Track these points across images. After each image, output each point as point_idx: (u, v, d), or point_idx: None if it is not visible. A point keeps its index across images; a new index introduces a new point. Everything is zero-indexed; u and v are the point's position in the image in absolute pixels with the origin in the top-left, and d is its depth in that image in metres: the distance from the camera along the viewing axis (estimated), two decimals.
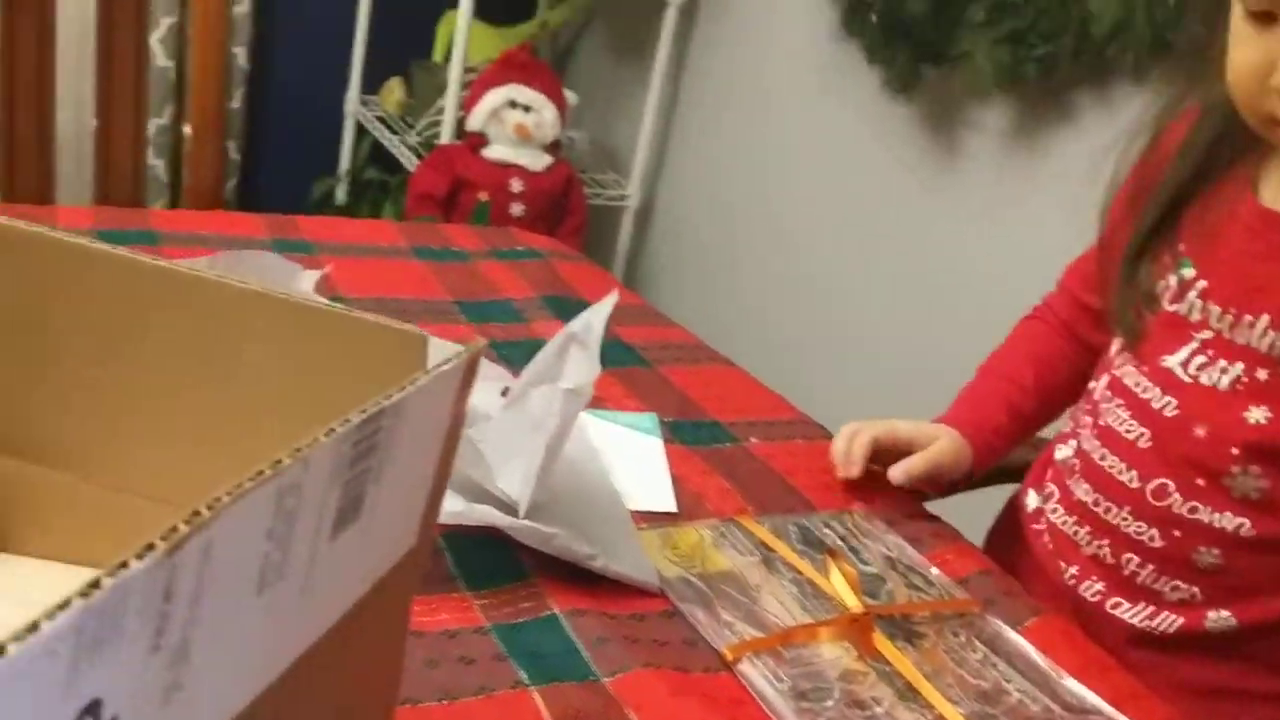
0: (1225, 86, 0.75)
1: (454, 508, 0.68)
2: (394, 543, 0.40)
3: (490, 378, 0.83)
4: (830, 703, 0.66)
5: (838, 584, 0.75)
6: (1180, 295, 0.82)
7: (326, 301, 0.45)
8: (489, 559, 0.72)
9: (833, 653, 0.70)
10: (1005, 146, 1.69)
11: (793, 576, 0.77)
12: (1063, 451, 0.91)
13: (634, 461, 0.87)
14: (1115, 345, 0.89)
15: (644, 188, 2.42)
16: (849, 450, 0.91)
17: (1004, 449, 0.96)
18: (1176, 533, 0.80)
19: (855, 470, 0.90)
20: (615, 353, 1.05)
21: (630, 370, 1.02)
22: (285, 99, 2.55)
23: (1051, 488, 0.91)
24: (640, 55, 2.42)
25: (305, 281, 0.89)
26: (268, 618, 0.31)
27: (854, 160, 1.94)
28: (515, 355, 0.99)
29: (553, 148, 2.18)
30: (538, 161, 2.15)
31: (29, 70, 1.48)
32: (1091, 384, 0.91)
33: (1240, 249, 0.79)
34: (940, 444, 0.92)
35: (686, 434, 0.93)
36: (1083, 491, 0.86)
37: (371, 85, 2.53)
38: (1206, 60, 0.77)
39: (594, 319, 0.72)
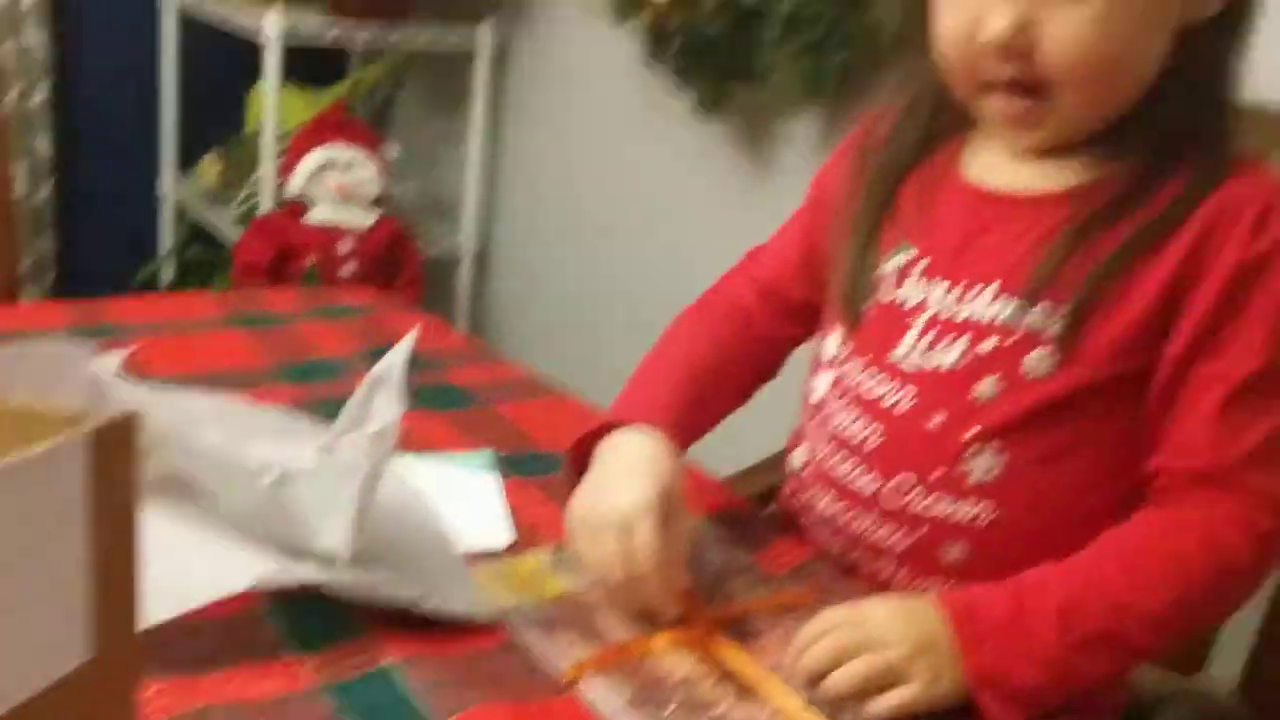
0: (935, 62, 0.78)
1: (268, 570, 0.66)
2: (33, 657, 0.34)
3: (307, 435, 0.82)
4: (671, 707, 0.66)
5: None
6: (901, 279, 0.81)
7: None
8: (319, 619, 0.70)
9: (674, 660, 0.70)
10: (815, 157, 1.74)
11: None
12: (793, 462, 0.88)
13: (468, 500, 0.86)
14: (834, 344, 0.86)
15: (478, 234, 2.41)
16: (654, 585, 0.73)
17: (695, 435, 0.85)
18: (921, 532, 0.78)
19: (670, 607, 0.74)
20: (448, 397, 1.04)
21: (463, 413, 1.01)
22: (98, 187, 2.48)
23: (798, 500, 0.87)
24: (457, 104, 2.42)
25: (102, 366, 0.86)
26: None
27: (675, 183, 1.98)
28: (335, 413, 0.97)
29: (378, 204, 2.16)
30: (363, 220, 2.13)
31: None
32: (812, 384, 0.88)
33: (956, 226, 0.80)
34: (686, 517, 0.77)
35: (522, 467, 0.93)
36: (826, 503, 0.83)
37: (189, 163, 2.47)
38: (918, 42, 0.79)
39: (394, 360, 0.71)
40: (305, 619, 0.70)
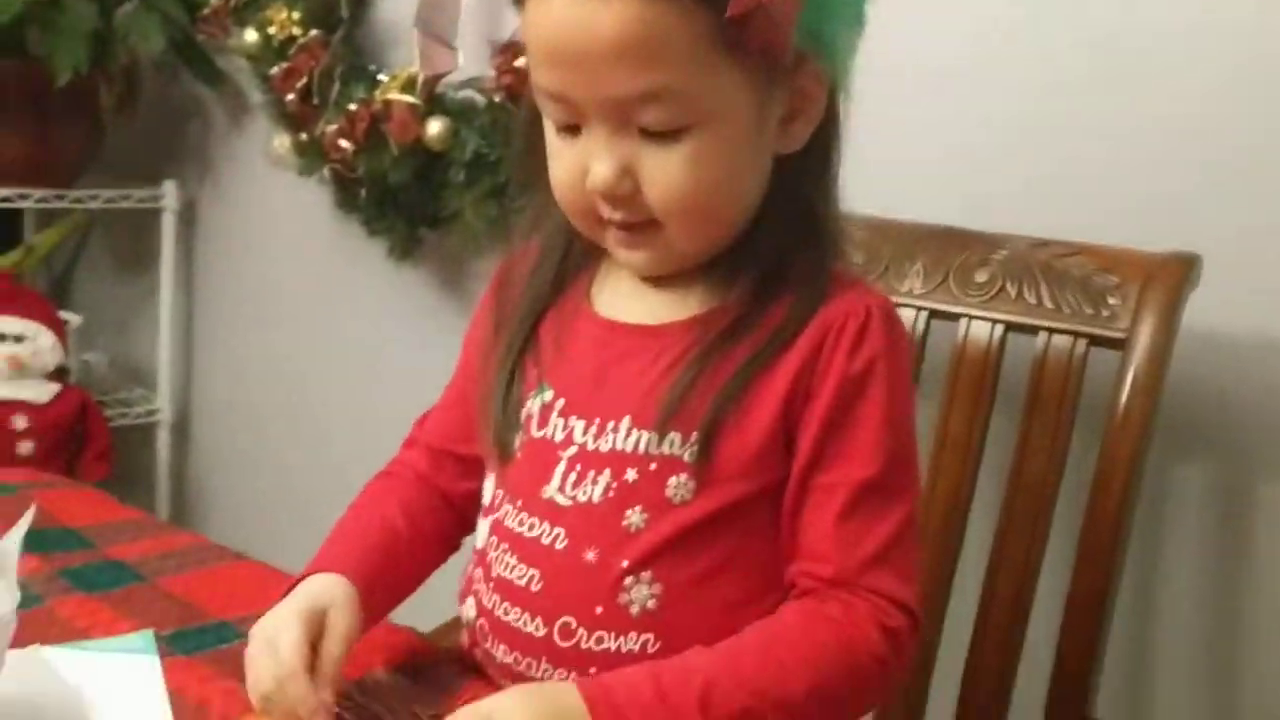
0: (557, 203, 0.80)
1: None
2: None
3: None
4: None
5: None
6: (544, 420, 0.82)
7: None
8: None
9: None
10: None
11: None
12: (466, 613, 0.86)
13: (122, 690, 0.79)
14: (489, 490, 0.86)
15: (174, 400, 2.29)
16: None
17: (385, 593, 0.83)
18: (592, 670, 0.76)
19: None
20: (105, 575, 0.96)
21: (124, 590, 0.93)
22: None
23: (477, 652, 0.85)
24: (145, 265, 2.32)
25: None
26: None
27: (375, 332, 1.95)
28: None
29: (57, 375, 2.02)
30: (41, 393, 1.99)
31: None
32: (476, 534, 0.87)
33: (589, 360, 0.82)
34: (338, 628, 0.76)
35: (189, 642, 0.86)
36: (501, 652, 0.82)
37: None
38: (543, 185, 0.81)
39: (9, 542, 0.65)
40: None
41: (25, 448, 1.95)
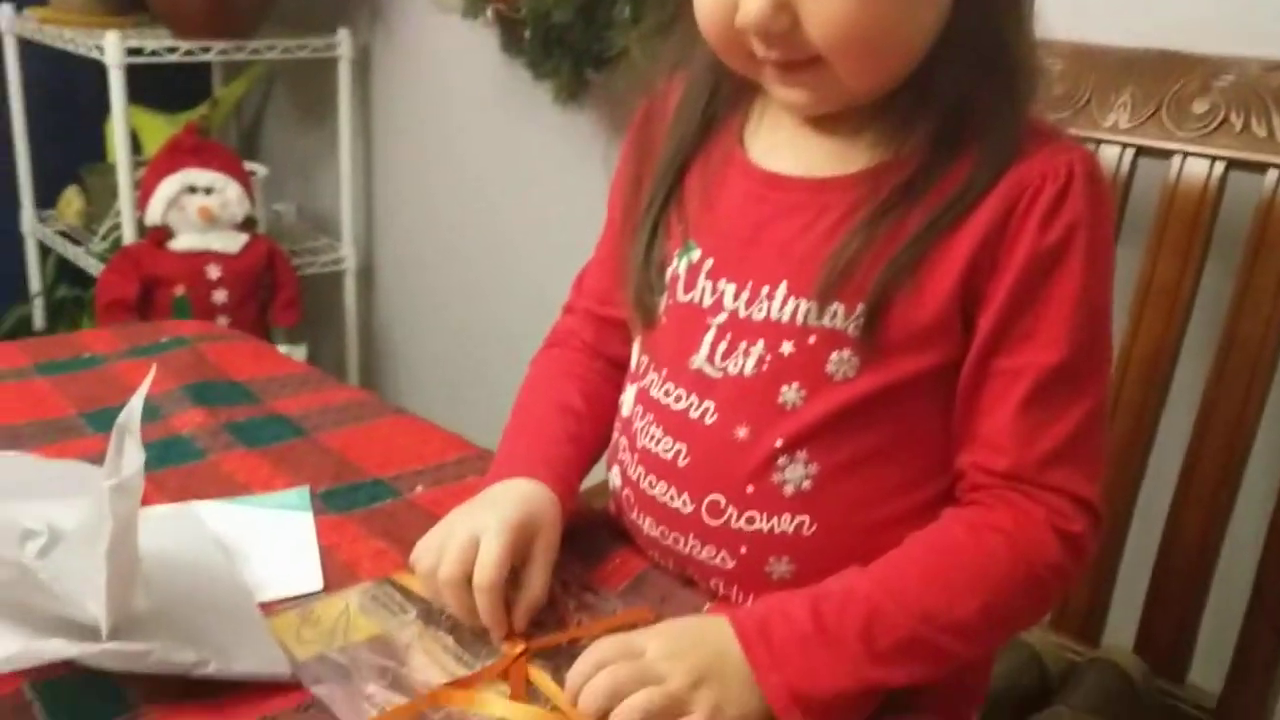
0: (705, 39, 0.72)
1: (10, 650, 0.59)
2: None
3: (73, 494, 0.74)
4: None
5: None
6: (691, 282, 0.75)
7: None
8: (87, 699, 0.63)
9: (489, 706, 0.64)
10: None
11: (451, 625, 0.71)
12: (612, 481, 0.82)
13: (276, 545, 0.79)
14: (635, 355, 0.81)
15: (358, 247, 2.33)
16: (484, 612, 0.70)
17: (576, 481, 0.82)
18: (743, 550, 0.73)
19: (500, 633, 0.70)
20: (269, 429, 0.97)
21: (283, 446, 0.94)
22: None
23: (624, 521, 0.82)
24: (325, 115, 2.34)
25: None
26: None
27: (550, 177, 1.91)
28: (153, 456, 0.90)
29: (246, 225, 2.07)
30: (232, 243, 2.04)
31: None
32: (622, 400, 0.82)
33: (740, 216, 0.74)
34: (544, 539, 0.73)
35: (340, 501, 0.86)
36: (648, 525, 0.78)
37: (48, 199, 2.36)
38: (688, 16, 0.73)
39: (135, 403, 0.64)
40: (71, 700, 0.63)
41: (219, 296, 2.03)
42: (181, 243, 2.01)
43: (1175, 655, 1.05)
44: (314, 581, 0.76)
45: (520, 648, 0.68)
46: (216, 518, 0.81)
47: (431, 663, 0.68)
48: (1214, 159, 1.01)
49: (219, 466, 0.90)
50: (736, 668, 0.63)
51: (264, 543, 0.79)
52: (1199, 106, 1.04)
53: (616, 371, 0.87)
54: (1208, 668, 1.05)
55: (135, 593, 0.64)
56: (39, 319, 2.37)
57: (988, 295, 0.68)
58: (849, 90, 0.69)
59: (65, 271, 2.37)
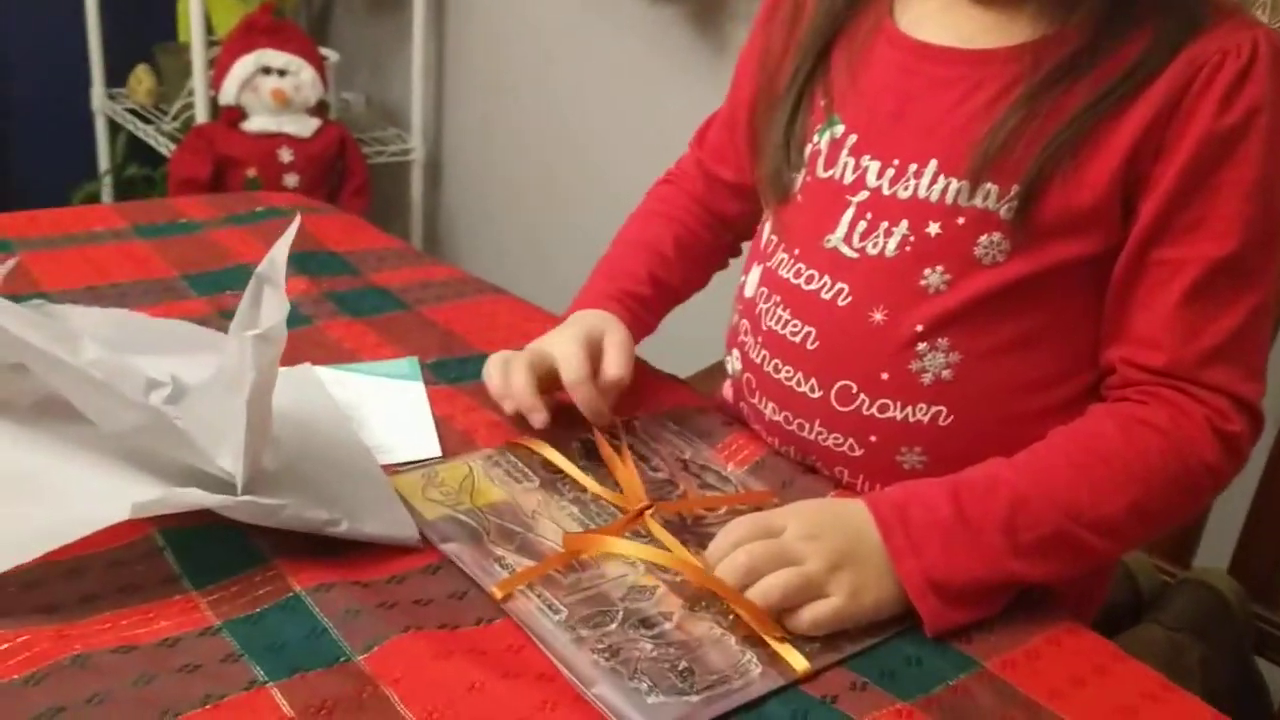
0: None
1: (148, 497, 0.58)
2: None
3: (209, 348, 0.73)
4: (613, 626, 0.59)
5: (623, 480, 0.70)
6: (833, 158, 0.72)
7: None
8: (218, 550, 0.63)
9: (617, 570, 0.63)
10: None
11: (574, 495, 0.70)
12: (732, 365, 0.80)
13: (391, 412, 0.78)
14: (764, 233, 0.78)
15: (427, 139, 2.30)
16: (513, 388, 0.75)
17: (652, 323, 0.85)
18: (873, 438, 0.71)
19: (538, 418, 0.74)
20: (370, 300, 0.96)
21: (387, 317, 0.93)
22: (26, 104, 2.35)
23: (743, 405, 0.80)
24: (398, 5, 2.29)
25: None
26: None
27: (631, 73, 1.87)
28: None
29: (318, 110, 2.05)
30: (304, 127, 2.02)
31: None
32: (742, 279, 0.80)
33: (887, 89, 0.70)
34: (613, 337, 0.77)
35: (451, 372, 0.85)
36: (770, 410, 0.75)
37: (118, 77, 2.34)
38: None
39: (277, 253, 0.63)
40: (201, 549, 0.63)
41: (290, 180, 2.01)
42: (254, 124, 1.99)
43: (1272, 579, 1.03)
44: (432, 447, 0.75)
45: (643, 504, 0.67)
46: (330, 382, 0.80)
47: (559, 529, 0.67)
48: None
49: (325, 333, 0.89)
50: (874, 552, 0.62)
51: (379, 409, 0.78)
52: None
53: (718, 224, 0.88)
54: None
55: (266, 449, 0.63)
56: (107, 197, 2.36)
57: (1154, 179, 0.65)
58: None
59: (135, 150, 2.35)
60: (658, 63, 1.80)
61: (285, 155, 2.00)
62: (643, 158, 1.88)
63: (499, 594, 0.60)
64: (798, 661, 0.58)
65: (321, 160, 2.04)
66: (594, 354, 0.75)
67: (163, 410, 0.61)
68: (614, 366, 0.75)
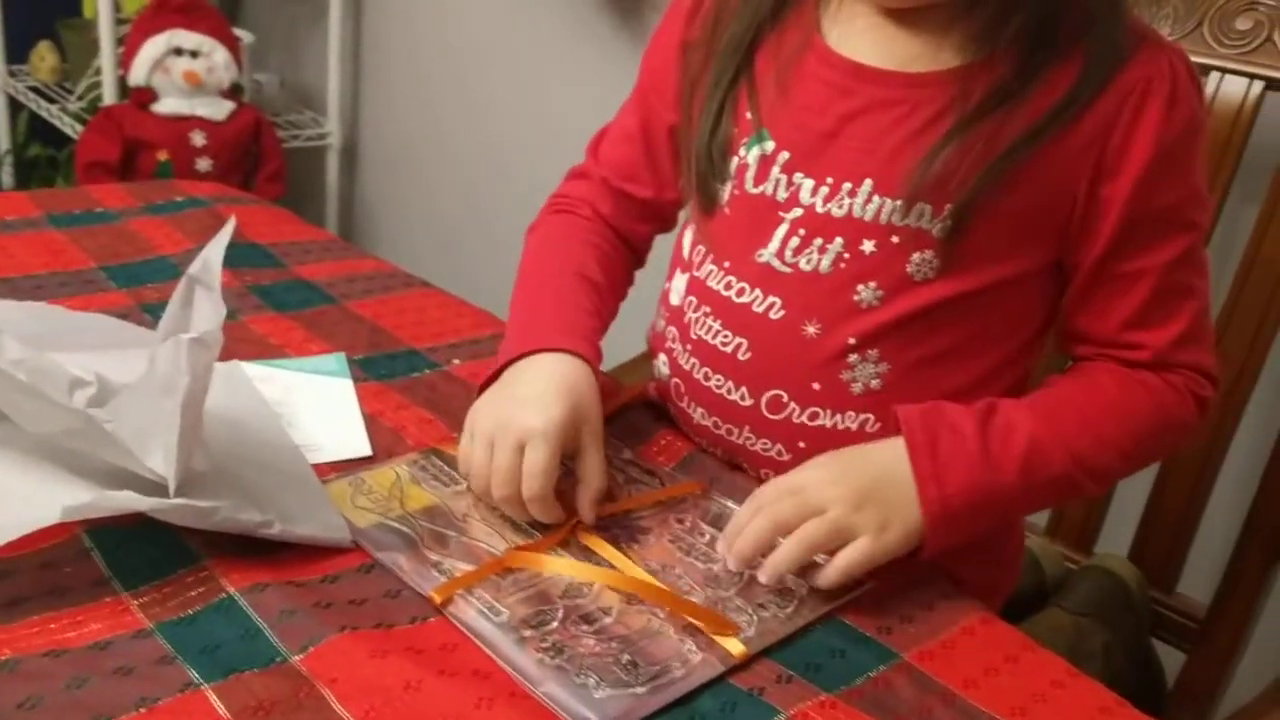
0: None
1: (79, 500, 0.58)
2: None
3: (133, 344, 0.73)
4: (554, 624, 0.60)
5: None
6: (764, 174, 0.72)
7: None
8: (148, 551, 0.63)
9: (552, 564, 0.65)
10: None
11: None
12: (658, 369, 0.81)
13: (319, 409, 0.78)
14: (688, 242, 0.78)
15: (344, 123, 2.27)
16: (535, 490, 0.67)
17: (602, 356, 0.78)
18: (802, 444, 0.73)
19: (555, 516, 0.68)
20: (295, 294, 0.95)
21: (314, 311, 0.93)
22: None
23: (670, 408, 0.81)
24: None
25: None
26: None
27: (550, 60, 1.87)
28: None
29: (232, 93, 2.01)
30: (218, 110, 1.98)
31: None
32: (666, 286, 0.80)
33: (821, 108, 0.71)
34: (589, 427, 0.70)
35: (380, 368, 0.85)
36: (699, 415, 0.77)
37: (18, 54, 2.26)
38: None
39: (211, 255, 0.62)
40: (130, 550, 0.62)
41: (204, 164, 1.97)
42: (166, 106, 1.95)
43: (1168, 566, 1.08)
44: (362, 446, 0.75)
45: (574, 520, 0.68)
46: (257, 378, 0.80)
47: (491, 531, 0.68)
48: (1253, 78, 1.01)
49: (250, 328, 0.88)
50: (898, 482, 0.66)
51: (308, 405, 0.78)
52: (1242, 23, 1.04)
53: (630, 250, 0.86)
54: (1195, 580, 1.08)
55: (197, 450, 0.63)
56: (7, 178, 2.29)
57: (1103, 202, 0.68)
58: None
59: (37, 130, 2.28)
60: (577, 50, 1.80)
61: (198, 139, 1.96)
62: (559, 147, 1.88)
63: (438, 599, 0.61)
64: (734, 646, 0.60)
65: (236, 144, 2.00)
66: (569, 443, 0.68)
67: (91, 415, 0.61)
68: (594, 477, 0.69)
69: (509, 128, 1.97)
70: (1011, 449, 0.68)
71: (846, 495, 0.64)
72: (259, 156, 2.06)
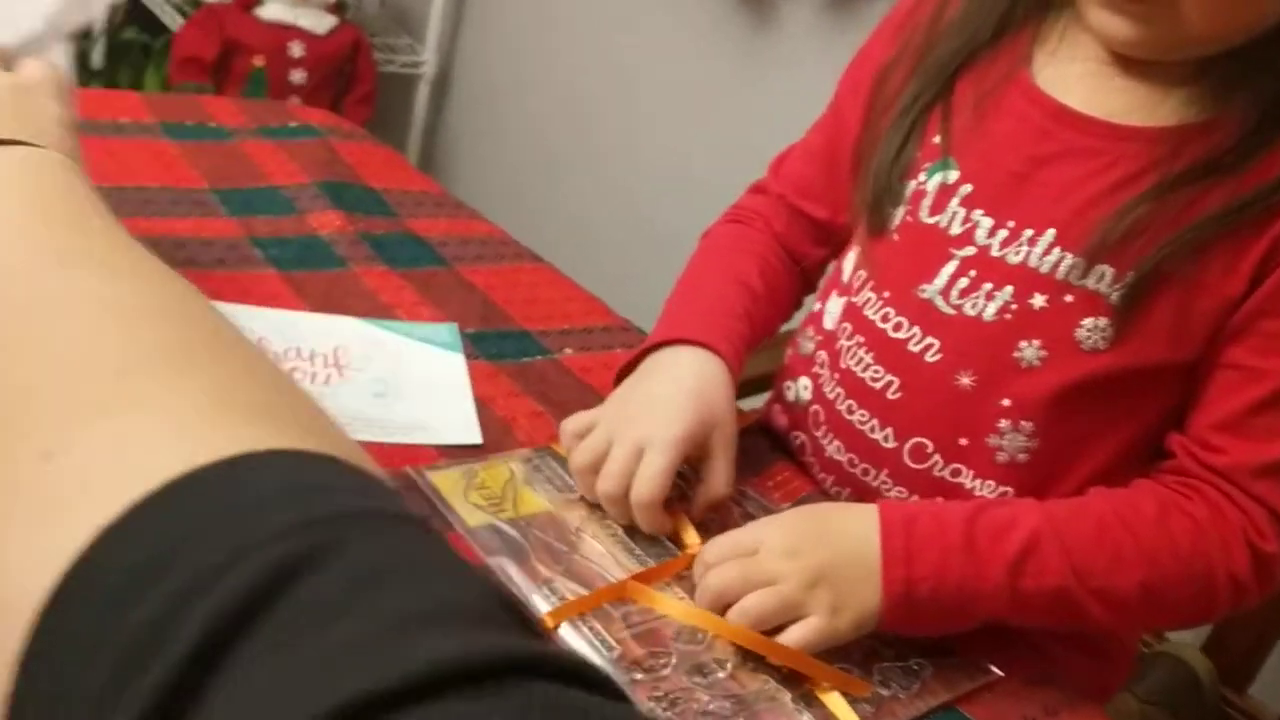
0: None
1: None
2: None
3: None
4: (667, 671, 0.57)
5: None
6: (941, 204, 0.68)
7: None
8: None
9: (670, 606, 0.61)
10: (823, 13, 1.59)
11: None
12: (798, 393, 0.77)
13: (429, 384, 0.75)
14: (849, 265, 0.74)
15: (441, 54, 2.22)
16: (643, 496, 0.63)
17: (745, 363, 0.75)
18: (939, 499, 0.68)
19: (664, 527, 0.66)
20: (408, 249, 0.91)
21: (426, 272, 0.89)
22: None
23: (801, 436, 0.77)
24: None
25: None
26: None
27: (669, 24, 1.81)
28: (284, 255, 0.84)
29: (336, 8, 1.97)
30: (320, 23, 1.94)
31: None
32: (819, 307, 0.76)
33: (1015, 146, 0.67)
34: (720, 433, 0.67)
35: (491, 346, 0.81)
36: (835, 449, 0.73)
37: None
38: None
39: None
40: None
41: (298, 76, 1.93)
42: (269, 11, 1.91)
43: (1244, 665, 1.04)
44: (473, 433, 0.71)
45: (696, 547, 0.65)
46: (366, 340, 0.76)
47: (604, 552, 0.64)
48: None
49: (362, 280, 0.84)
50: (858, 561, 0.60)
51: (417, 378, 0.74)
52: None
53: (797, 268, 0.82)
54: (1271, 683, 1.04)
55: None
56: (97, 58, 2.25)
57: (1266, 286, 0.63)
58: (1183, 33, 0.61)
59: (134, 13, 2.24)
60: (691, 32, 1.75)
61: (296, 50, 1.92)
62: (670, 124, 1.83)
63: (550, 623, 0.57)
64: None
65: (332, 61, 1.96)
66: (695, 449, 0.66)
67: None
68: (719, 482, 0.66)
69: (604, 89, 1.92)
70: (1004, 546, 0.61)
71: (800, 571, 0.59)
72: (351, 76, 2.01)
